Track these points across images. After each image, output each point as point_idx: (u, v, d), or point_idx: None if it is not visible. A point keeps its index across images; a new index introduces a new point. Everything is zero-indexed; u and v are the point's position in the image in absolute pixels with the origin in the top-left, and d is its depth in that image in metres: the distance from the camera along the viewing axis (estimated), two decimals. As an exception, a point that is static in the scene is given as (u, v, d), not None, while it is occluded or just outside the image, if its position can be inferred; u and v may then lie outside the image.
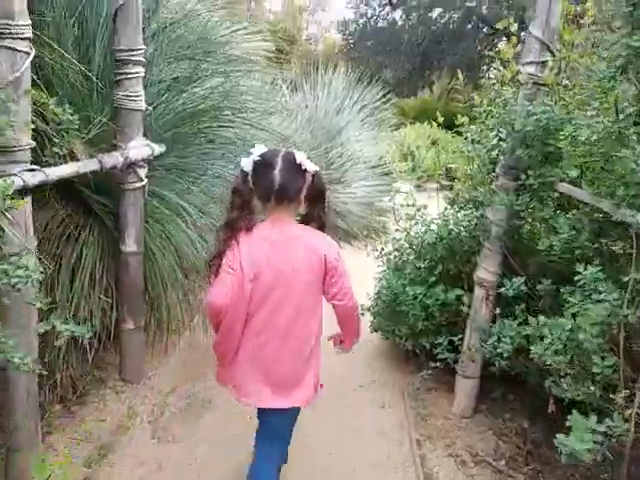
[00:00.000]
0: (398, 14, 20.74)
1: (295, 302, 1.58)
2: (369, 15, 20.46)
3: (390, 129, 8.40)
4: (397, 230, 3.14)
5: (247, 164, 1.59)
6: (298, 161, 1.57)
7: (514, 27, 2.79)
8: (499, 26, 2.65)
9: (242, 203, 1.60)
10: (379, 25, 20.69)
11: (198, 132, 2.77)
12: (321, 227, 1.67)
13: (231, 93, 2.89)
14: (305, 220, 1.68)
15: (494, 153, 2.55)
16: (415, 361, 3.09)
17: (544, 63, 2.32)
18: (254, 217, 1.61)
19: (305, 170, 1.57)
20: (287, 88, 5.51)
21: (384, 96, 6.18)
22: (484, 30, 19.48)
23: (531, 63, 2.34)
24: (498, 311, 2.37)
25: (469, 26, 19.63)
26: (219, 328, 1.62)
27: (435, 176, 9.46)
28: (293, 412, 1.75)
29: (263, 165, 1.56)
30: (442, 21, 20.38)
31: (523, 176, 2.25)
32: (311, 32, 29.13)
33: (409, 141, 9.48)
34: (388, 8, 20.29)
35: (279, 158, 1.57)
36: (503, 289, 2.19)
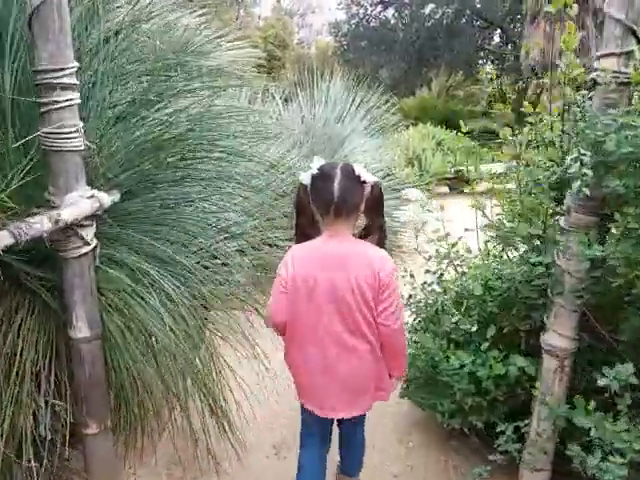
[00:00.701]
0: (390, 12, 20.21)
1: (350, 316, 1.57)
2: (361, 15, 19.88)
3: (394, 132, 7.83)
4: (427, 272, 2.48)
5: (306, 177, 1.61)
6: (357, 173, 1.58)
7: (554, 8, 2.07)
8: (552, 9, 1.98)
9: (305, 213, 1.64)
10: (372, 25, 20.13)
11: (167, 168, 2.14)
12: (380, 240, 1.68)
13: (207, 115, 2.26)
14: (364, 233, 1.68)
15: (555, 177, 1.92)
16: (460, 437, 2.46)
17: (629, 54, 1.69)
18: (317, 229, 1.64)
19: (364, 182, 1.58)
20: (280, 98, 4.89)
21: (384, 98, 5.58)
22: (478, 24, 18.92)
23: (610, 55, 1.70)
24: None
25: (463, 21, 19.08)
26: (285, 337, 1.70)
27: (444, 180, 8.98)
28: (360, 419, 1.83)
29: (322, 178, 1.58)
30: (436, 17, 19.85)
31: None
32: (303, 36, 28.72)
33: (414, 144, 8.86)
34: (380, 7, 19.74)
35: (337, 170, 1.58)
36: (602, 381, 1.53)
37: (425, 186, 8.01)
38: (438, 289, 2.42)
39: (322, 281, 1.56)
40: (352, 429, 1.89)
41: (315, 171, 1.60)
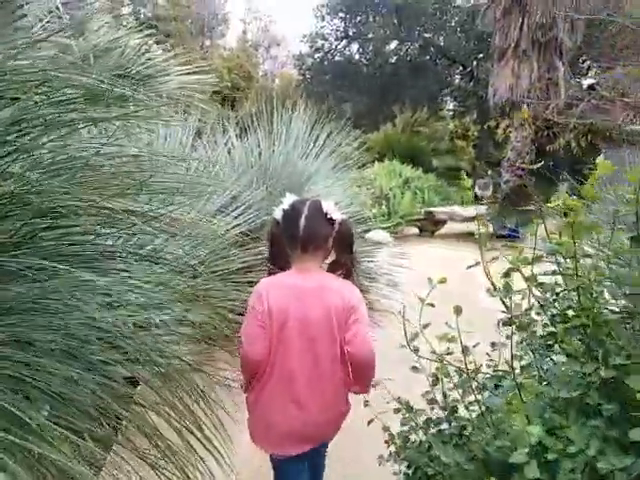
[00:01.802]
0: (355, 47, 20.28)
1: (321, 349, 1.58)
2: (325, 49, 19.84)
3: (359, 169, 7.35)
4: (430, 403, 1.52)
5: (278, 213, 1.66)
6: (324, 210, 1.62)
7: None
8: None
9: (277, 247, 1.67)
10: (336, 59, 20.11)
11: (57, 239, 1.42)
12: (347, 274, 1.70)
13: (119, 156, 1.57)
14: (332, 267, 1.71)
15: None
16: None
17: None
18: (285, 264, 1.66)
19: (331, 219, 1.62)
20: (235, 131, 4.24)
21: (350, 133, 5.04)
22: (442, 61, 19.18)
23: None
24: None
25: (427, 57, 19.31)
26: (250, 375, 1.64)
27: (413, 221, 8.51)
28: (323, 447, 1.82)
29: (290, 213, 1.63)
30: (399, 53, 20.04)
31: None
32: (267, 68, 28.57)
33: (381, 182, 8.40)
34: (344, 41, 19.76)
35: (305, 207, 1.63)
36: None
37: (394, 228, 7.53)
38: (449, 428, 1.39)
39: (293, 315, 1.57)
40: (318, 458, 1.86)
41: (286, 207, 1.65)
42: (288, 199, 1.67)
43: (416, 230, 8.35)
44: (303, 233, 1.58)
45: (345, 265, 1.68)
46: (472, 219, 7.75)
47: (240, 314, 1.91)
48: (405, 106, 16.27)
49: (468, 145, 16.76)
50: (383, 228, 7.39)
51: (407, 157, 11.51)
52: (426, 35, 18.53)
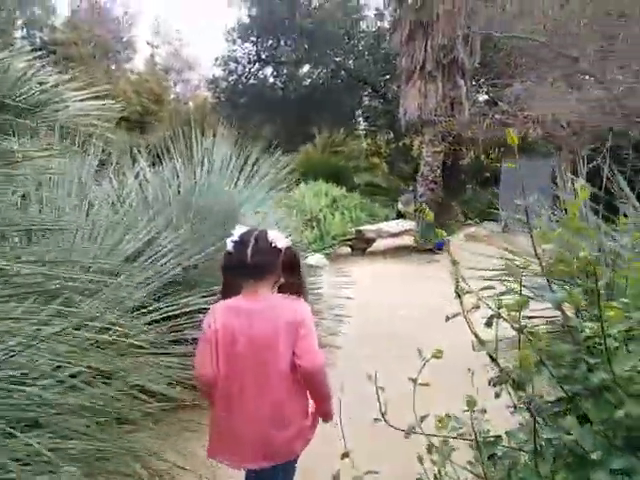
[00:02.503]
0: (269, 71, 20.40)
1: (270, 366, 1.65)
2: (239, 72, 19.77)
3: (287, 192, 7.25)
4: None
5: (229, 244, 1.73)
6: (270, 239, 1.73)
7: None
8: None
9: (230, 278, 1.76)
10: (251, 82, 20.09)
11: None
12: (298, 294, 1.78)
13: None
14: (283, 289, 1.78)
15: None
16: None
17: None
18: (238, 289, 1.74)
19: (276, 246, 1.72)
20: (146, 160, 3.86)
21: (274, 155, 4.89)
22: (353, 84, 19.79)
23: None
24: None
25: (339, 80, 19.84)
26: (211, 396, 1.74)
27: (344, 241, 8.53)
28: (280, 469, 1.75)
29: (239, 244, 1.71)
30: (313, 77, 20.43)
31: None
32: (180, 91, 27.93)
33: (310, 204, 8.37)
34: (258, 65, 19.83)
35: (252, 237, 1.72)
36: None
37: (327, 250, 7.49)
38: None
39: (241, 338, 1.66)
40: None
41: (235, 238, 1.73)
42: (237, 231, 1.75)
43: (348, 250, 8.38)
44: (251, 261, 1.68)
45: (293, 287, 1.78)
46: (398, 235, 7.96)
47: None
48: (322, 127, 16.57)
49: (381, 162, 17.39)
50: (317, 251, 7.33)
51: (330, 176, 11.63)
52: (336, 59, 19.07)
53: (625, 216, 3.40)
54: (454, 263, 1.34)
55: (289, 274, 1.77)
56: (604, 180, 3.57)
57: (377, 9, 18.73)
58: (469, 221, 12.06)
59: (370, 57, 19.02)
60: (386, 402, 1.30)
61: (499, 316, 1.24)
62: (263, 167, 4.31)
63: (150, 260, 2.68)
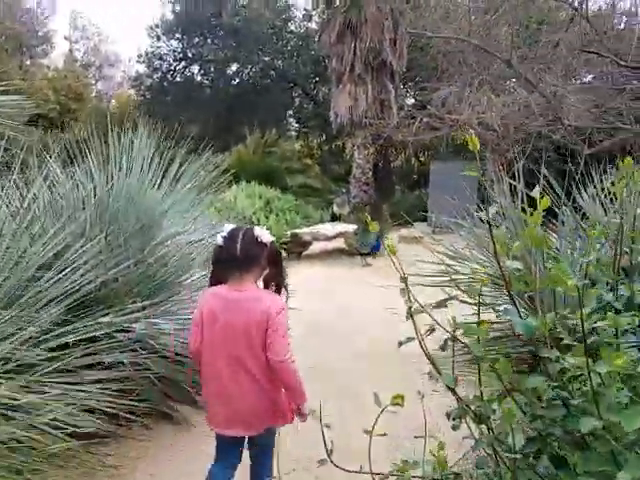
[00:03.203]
0: (196, 69, 19.75)
1: (242, 351, 1.86)
2: (164, 70, 18.98)
3: (218, 193, 6.89)
4: None
5: (219, 239, 1.94)
6: (256, 235, 1.92)
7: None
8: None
9: (218, 268, 1.98)
10: (177, 80, 19.36)
11: None
12: (278, 287, 2.03)
13: None
14: (266, 282, 2.01)
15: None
16: None
17: None
18: (226, 279, 1.95)
19: (262, 242, 1.93)
20: (56, 161, 3.41)
21: (203, 155, 4.55)
22: (283, 85, 19.61)
23: None
24: None
25: (268, 80, 19.58)
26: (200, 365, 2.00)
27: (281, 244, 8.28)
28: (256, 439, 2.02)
29: (228, 240, 1.92)
30: (242, 76, 20.03)
31: None
32: (102, 88, 26.38)
33: (243, 206, 8.07)
34: (184, 63, 19.14)
35: (240, 233, 1.92)
36: None
37: None
38: None
39: (221, 321, 1.89)
40: (255, 454, 2.08)
41: (225, 234, 1.93)
42: (227, 227, 1.95)
43: (284, 254, 8.16)
44: (240, 255, 1.87)
45: (275, 278, 2.01)
46: (334, 237, 7.85)
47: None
48: (254, 128, 16.26)
49: (314, 163, 17.37)
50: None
51: (262, 177, 11.35)
52: (265, 58, 18.80)
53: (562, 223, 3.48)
54: (403, 280, 1.20)
55: (271, 266, 1.99)
56: (540, 183, 3.64)
57: (305, 10, 18.69)
58: (399, 220, 12.27)
59: (299, 58, 18.93)
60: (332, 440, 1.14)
61: (454, 339, 1.11)
62: (191, 168, 3.98)
63: (59, 275, 2.35)
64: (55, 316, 2.24)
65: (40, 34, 23.15)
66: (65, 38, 24.54)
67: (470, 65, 9.57)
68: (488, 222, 1.07)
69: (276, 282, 2.01)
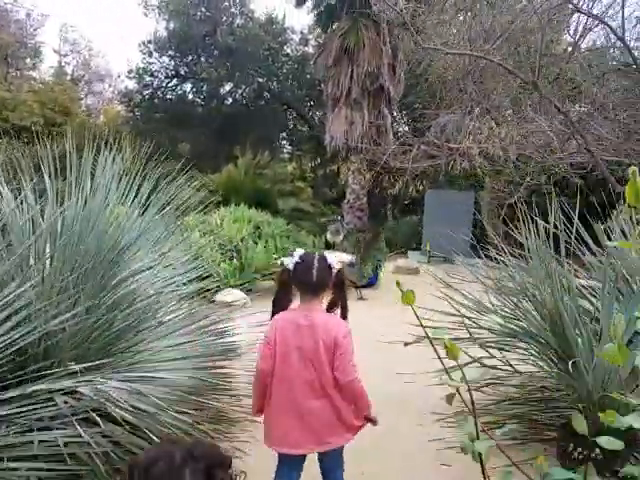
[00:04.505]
0: (188, 87, 19.42)
1: (315, 372, 2.00)
2: (155, 86, 18.61)
3: (203, 215, 6.37)
4: None
5: (290, 263, 2.09)
6: (329, 262, 2.10)
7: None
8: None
9: (285, 289, 2.16)
10: (168, 97, 18.99)
11: None
12: (343, 310, 2.19)
13: None
14: (331, 305, 2.19)
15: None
16: None
17: None
18: (292, 300, 2.17)
19: (332, 268, 2.10)
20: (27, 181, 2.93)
21: (188, 174, 4.08)
22: (277, 107, 19.33)
23: None
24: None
25: (262, 102, 19.30)
26: (258, 390, 2.12)
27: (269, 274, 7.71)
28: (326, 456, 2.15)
29: (303, 265, 2.07)
30: (235, 96, 19.74)
31: None
32: (90, 103, 25.90)
33: (230, 231, 7.52)
34: (176, 80, 18.81)
35: (315, 260, 2.08)
36: None
37: (249, 284, 6.65)
38: None
39: (293, 344, 2.03)
40: (329, 467, 2.19)
41: (297, 259, 2.08)
42: (297, 253, 2.10)
43: (273, 283, 7.52)
44: (316, 280, 2.03)
45: (341, 303, 2.16)
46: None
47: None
48: (246, 148, 15.86)
49: (306, 186, 16.97)
50: (235, 286, 6.50)
51: (252, 200, 10.85)
52: (260, 80, 18.55)
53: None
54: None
55: (338, 291, 2.16)
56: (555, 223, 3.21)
57: (302, 33, 18.57)
58: (394, 249, 11.86)
59: (295, 81, 18.71)
60: None
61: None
62: (170, 189, 3.48)
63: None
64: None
65: (29, 46, 22.75)
66: (54, 51, 24.18)
67: (470, 94, 9.29)
68: None
69: (342, 306, 2.18)
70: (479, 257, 4.08)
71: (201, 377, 2.98)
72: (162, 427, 2.40)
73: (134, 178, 3.40)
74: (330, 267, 2.07)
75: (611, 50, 9.19)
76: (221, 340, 3.36)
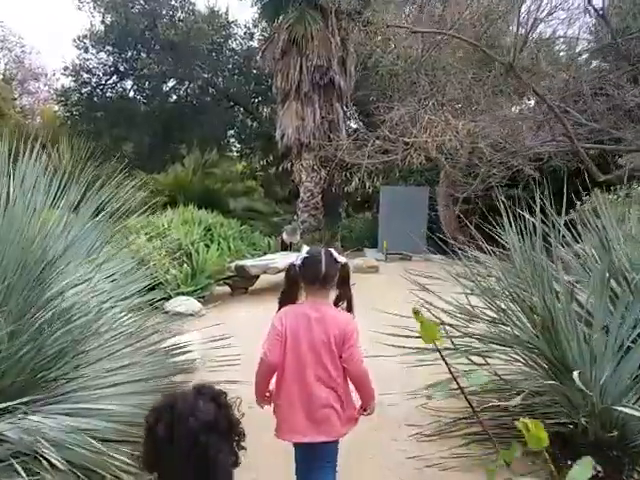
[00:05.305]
0: (129, 84, 18.49)
1: (325, 360, 2.07)
2: (94, 84, 17.59)
3: (148, 216, 5.88)
4: None
5: (298, 260, 2.17)
6: (334, 256, 2.17)
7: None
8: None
9: (293, 286, 2.20)
10: (108, 95, 18.00)
11: None
12: (349, 304, 2.23)
13: None
14: (337, 299, 2.23)
15: None
16: None
17: None
18: (299, 294, 2.21)
19: (337, 262, 2.17)
20: None
21: (130, 174, 3.68)
22: (224, 103, 18.74)
23: None
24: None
25: (208, 99, 18.65)
26: (264, 380, 2.16)
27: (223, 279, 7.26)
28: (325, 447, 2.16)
29: (311, 260, 2.15)
30: (179, 93, 18.99)
31: None
32: (26, 104, 24.30)
33: (179, 234, 7.04)
34: (115, 77, 17.84)
35: (322, 255, 2.15)
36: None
37: (202, 291, 6.22)
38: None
39: (304, 337, 2.08)
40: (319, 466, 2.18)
41: (305, 255, 2.17)
42: (304, 249, 2.23)
43: (228, 289, 7.05)
44: (325, 272, 2.12)
45: (346, 296, 2.23)
46: (285, 270, 6.96)
47: None
48: (193, 147, 15.24)
49: (257, 185, 16.54)
50: (187, 293, 6.04)
51: (202, 200, 10.34)
52: (205, 75, 17.89)
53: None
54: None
55: (344, 286, 2.21)
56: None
57: (247, 27, 18.06)
58: (348, 247, 11.66)
59: (241, 77, 18.18)
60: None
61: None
62: (108, 190, 3.07)
63: None
64: None
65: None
66: (-18, 48, 22.47)
67: (423, 86, 9.20)
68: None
69: (347, 300, 2.21)
70: (435, 253, 3.99)
71: (149, 404, 2.60)
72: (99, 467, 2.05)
73: (67, 179, 3.00)
74: (336, 260, 2.14)
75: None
76: (172, 360, 2.98)
